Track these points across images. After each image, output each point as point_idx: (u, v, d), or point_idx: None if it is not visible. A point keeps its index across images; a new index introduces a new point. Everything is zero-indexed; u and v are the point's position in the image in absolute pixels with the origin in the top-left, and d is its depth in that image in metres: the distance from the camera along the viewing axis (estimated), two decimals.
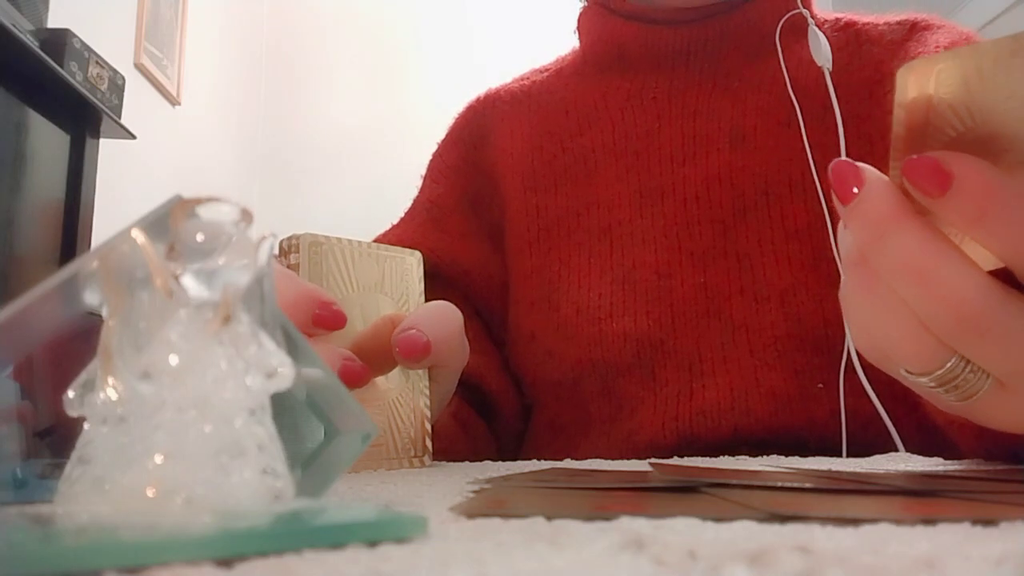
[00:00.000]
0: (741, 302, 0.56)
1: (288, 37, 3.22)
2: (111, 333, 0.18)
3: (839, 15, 0.67)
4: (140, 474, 0.17)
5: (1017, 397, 0.28)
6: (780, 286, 0.56)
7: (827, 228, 0.56)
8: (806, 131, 0.59)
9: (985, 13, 2.18)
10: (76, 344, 0.20)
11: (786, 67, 0.62)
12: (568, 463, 0.42)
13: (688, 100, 0.63)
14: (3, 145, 1.49)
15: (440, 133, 0.73)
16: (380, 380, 0.41)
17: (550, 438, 0.62)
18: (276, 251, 0.40)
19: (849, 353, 0.53)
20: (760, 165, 0.59)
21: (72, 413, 0.18)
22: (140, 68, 2.27)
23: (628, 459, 0.50)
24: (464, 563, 0.13)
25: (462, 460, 0.48)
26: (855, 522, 0.17)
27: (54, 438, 0.26)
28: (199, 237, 0.18)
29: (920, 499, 0.22)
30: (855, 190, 0.27)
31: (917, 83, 0.25)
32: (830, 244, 0.56)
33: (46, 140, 1.63)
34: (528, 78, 0.73)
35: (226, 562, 0.13)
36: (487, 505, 0.21)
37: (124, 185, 2.02)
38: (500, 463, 0.45)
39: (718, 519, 0.18)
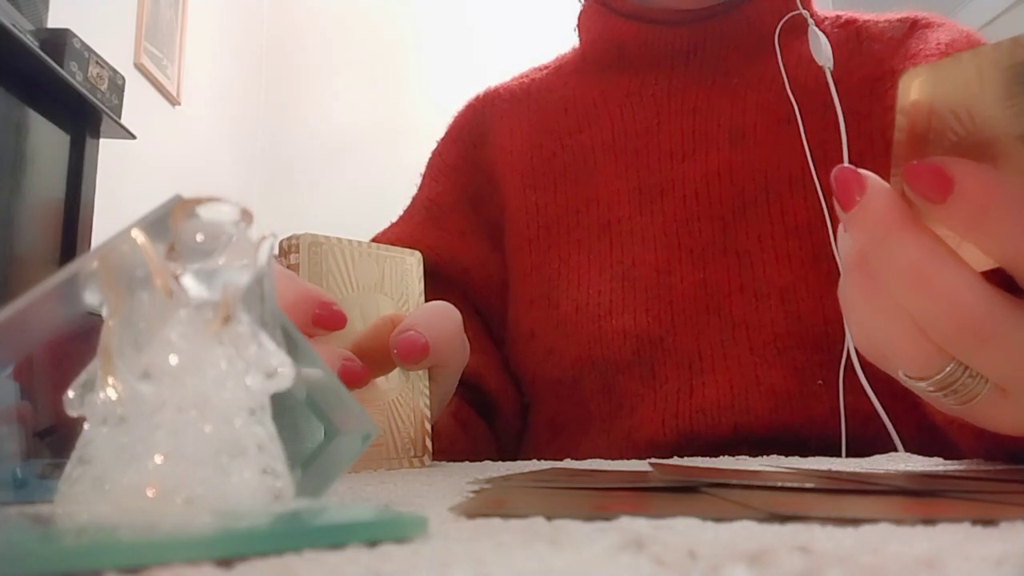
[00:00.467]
0: (741, 299, 0.56)
1: (288, 37, 3.22)
2: (111, 333, 0.18)
3: (839, 13, 0.67)
4: (140, 474, 0.17)
5: (1017, 402, 0.28)
6: (780, 283, 0.56)
7: (827, 225, 0.56)
8: (806, 128, 0.59)
9: (985, 13, 2.18)
10: (76, 344, 0.20)
11: (786, 65, 0.62)
12: (568, 463, 0.42)
13: (688, 98, 0.63)
14: (3, 145, 1.49)
15: (440, 132, 0.73)
16: (380, 380, 0.41)
17: (550, 436, 0.62)
18: (276, 251, 0.40)
19: (849, 351, 0.53)
20: (760, 162, 0.59)
21: (72, 413, 0.18)
22: (140, 68, 2.27)
23: (628, 457, 0.50)
24: (464, 563, 0.13)
25: (462, 460, 0.48)
26: (855, 522, 0.17)
27: (54, 438, 0.26)
28: (199, 237, 0.18)
29: (920, 499, 0.22)
30: (857, 197, 0.27)
31: (919, 89, 0.25)
32: (830, 241, 0.56)
33: (46, 140, 1.63)
34: (528, 76, 0.73)
35: (226, 562, 0.13)
36: (487, 505, 0.21)
37: (124, 185, 2.02)
38: (500, 463, 0.45)
39: (718, 519, 0.18)
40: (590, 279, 0.61)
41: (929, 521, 0.17)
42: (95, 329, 0.18)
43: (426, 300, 0.45)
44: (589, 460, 0.45)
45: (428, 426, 0.43)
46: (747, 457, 0.45)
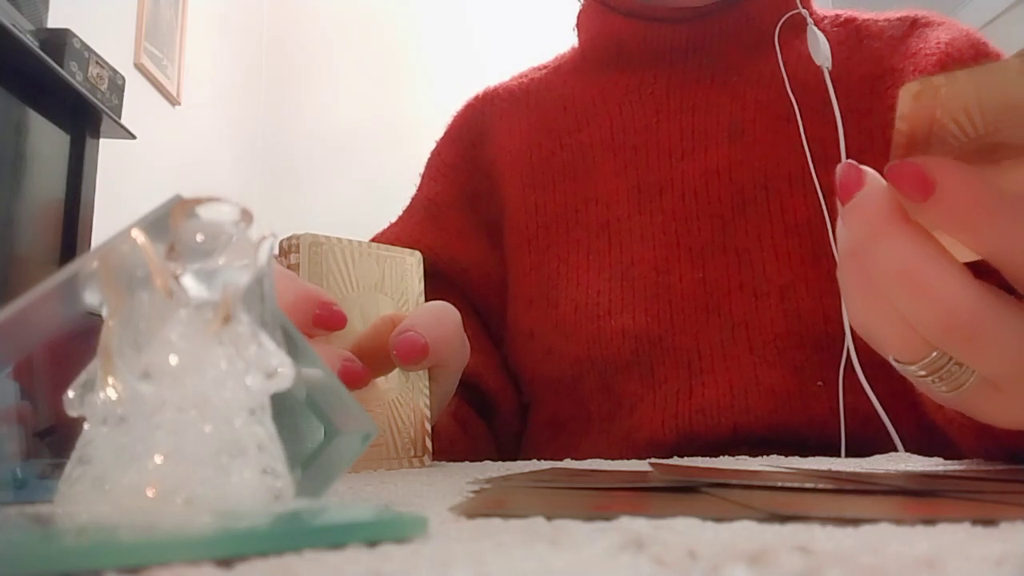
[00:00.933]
0: (740, 298, 0.56)
1: (288, 37, 3.22)
2: (111, 333, 0.18)
3: (839, 11, 0.67)
4: (140, 474, 0.17)
5: (1009, 396, 0.28)
6: (779, 282, 0.56)
7: (826, 223, 0.56)
8: (805, 126, 0.59)
9: (985, 13, 2.18)
10: (76, 344, 0.20)
11: (786, 62, 0.62)
12: (568, 463, 0.42)
13: (686, 95, 0.63)
14: (3, 145, 1.49)
15: (440, 132, 0.73)
16: (380, 380, 0.41)
17: (550, 436, 0.62)
18: (276, 251, 0.40)
19: (848, 350, 0.53)
20: (759, 159, 0.59)
21: (72, 413, 0.18)
22: (140, 68, 2.27)
23: (628, 457, 0.50)
24: (464, 563, 0.13)
25: (462, 460, 0.48)
26: (855, 522, 0.17)
27: (54, 438, 0.26)
28: (199, 237, 0.18)
29: (920, 499, 0.22)
30: (855, 192, 0.28)
31: (919, 102, 0.25)
32: (829, 239, 0.56)
33: (46, 140, 1.63)
34: (527, 76, 0.73)
35: (226, 562, 0.13)
36: (487, 505, 0.21)
37: (124, 185, 2.02)
38: (500, 463, 0.45)
39: (718, 519, 0.18)
40: (589, 278, 0.60)
41: (929, 521, 0.17)
42: (95, 329, 0.18)
43: (426, 300, 0.45)
44: (589, 460, 0.45)
45: (428, 426, 0.43)
46: (747, 457, 0.45)
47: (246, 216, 0.19)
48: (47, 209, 1.65)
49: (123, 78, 1.87)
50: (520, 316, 0.64)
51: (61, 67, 1.56)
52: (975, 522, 0.17)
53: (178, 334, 0.18)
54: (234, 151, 2.95)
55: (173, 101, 2.48)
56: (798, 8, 0.63)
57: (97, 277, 0.19)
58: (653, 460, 0.40)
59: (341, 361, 0.36)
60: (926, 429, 0.50)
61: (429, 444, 0.43)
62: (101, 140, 1.81)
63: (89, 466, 0.17)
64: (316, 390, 0.23)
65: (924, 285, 0.27)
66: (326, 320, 0.36)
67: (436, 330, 0.40)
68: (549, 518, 0.18)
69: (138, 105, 2.10)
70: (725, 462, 0.40)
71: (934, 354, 0.28)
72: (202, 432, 0.17)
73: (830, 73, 0.60)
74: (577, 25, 0.71)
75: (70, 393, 0.18)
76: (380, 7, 3.22)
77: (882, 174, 0.28)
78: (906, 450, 0.49)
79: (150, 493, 0.16)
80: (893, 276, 0.27)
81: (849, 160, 0.29)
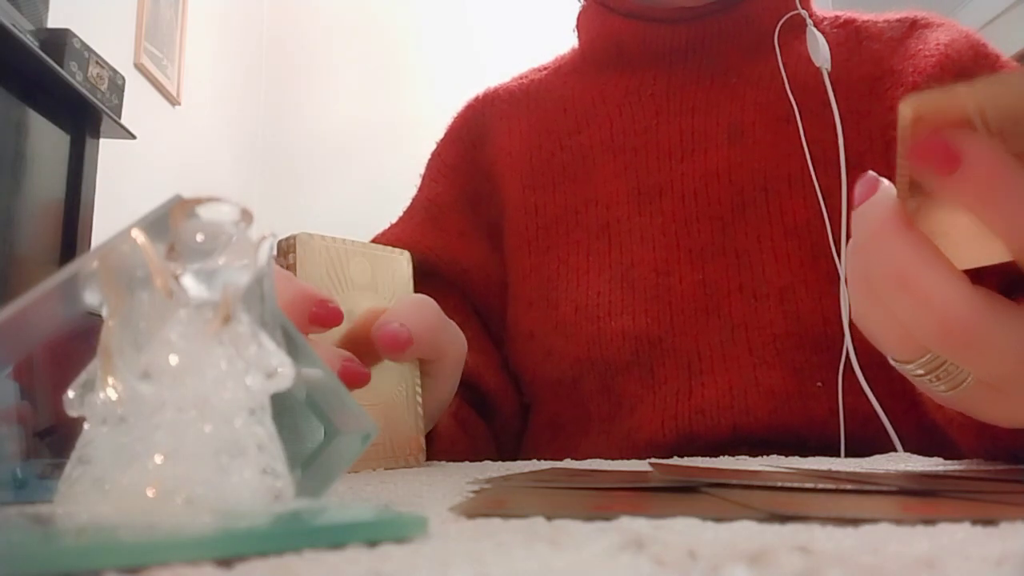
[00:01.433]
0: (740, 299, 0.56)
1: (288, 37, 3.22)
2: (111, 333, 0.18)
3: (839, 13, 0.67)
4: (140, 474, 0.17)
5: (1008, 396, 0.29)
6: (779, 283, 0.56)
7: (826, 225, 0.56)
8: (805, 127, 0.59)
9: (985, 13, 2.18)
10: (76, 344, 0.20)
11: (785, 63, 0.62)
12: (568, 463, 0.42)
13: (686, 96, 0.63)
14: (3, 145, 1.49)
15: (440, 132, 0.73)
16: (375, 379, 0.42)
17: (549, 437, 0.62)
18: (275, 252, 0.40)
19: (848, 351, 0.53)
20: (758, 161, 0.59)
21: (72, 413, 0.18)
22: (140, 68, 2.27)
23: (627, 457, 0.50)
24: (464, 563, 0.13)
25: (462, 460, 0.48)
26: (855, 522, 0.17)
27: (54, 438, 0.26)
28: (199, 237, 0.18)
29: (920, 499, 0.22)
30: (866, 199, 0.28)
31: (920, 112, 0.25)
32: (829, 241, 0.56)
33: (46, 140, 1.63)
34: (527, 77, 0.73)
35: (226, 562, 0.13)
36: (487, 505, 0.21)
37: (124, 185, 2.02)
38: (500, 463, 0.45)
39: (718, 519, 0.18)
40: (589, 280, 0.61)
41: (929, 521, 0.17)
42: (95, 329, 0.18)
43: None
44: (589, 460, 0.45)
45: (422, 424, 0.44)
46: (747, 457, 0.45)
47: (246, 216, 0.19)
48: (47, 209, 1.65)
49: (123, 78, 1.87)
50: (520, 317, 0.64)
51: (61, 67, 1.56)
52: (975, 522, 0.17)
53: (178, 334, 0.18)
54: (234, 151, 2.95)
55: (173, 101, 2.48)
56: (798, 9, 0.64)
57: (97, 277, 0.19)
58: (653, 460, 0.40)
59: (341, 361, 0.36)
60: (926, 429, 0.50)
61: (423, 442, 0.43)
62: (101, 140, 1.81)
63: (89, 466, 0.17)
64: (316, 390, 0.23)
65: (920, 290, 0.27)
66: (323, 317, 0.36)
67: (417, 320, 0.40)
68: (549, 518, 0.18)
69: (138, 105, 2.10)
70: (725, 462, 0.40)
71: (930, 354, 0.29)
72: (202, 432, 0.17)
73: (830, 74, 0.60)
74: (577, 26, 0.71)
75: (70, 393, 0.18)
76: (380, 7, 3.22)
77: (882, 174, 0.28)
78: (906, 450, 0.50)
79: (150, 493, 0.16)
80: (890, 279, 0.27)
81: (870, 172, 0.29)
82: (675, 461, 0.42)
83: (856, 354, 0.52)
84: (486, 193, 0.68)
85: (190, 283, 0.18)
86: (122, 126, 1.82)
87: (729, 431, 0.53)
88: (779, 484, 0.24)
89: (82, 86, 1.64)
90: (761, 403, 0.53)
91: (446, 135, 0.72)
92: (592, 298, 0.60)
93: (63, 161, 1.68)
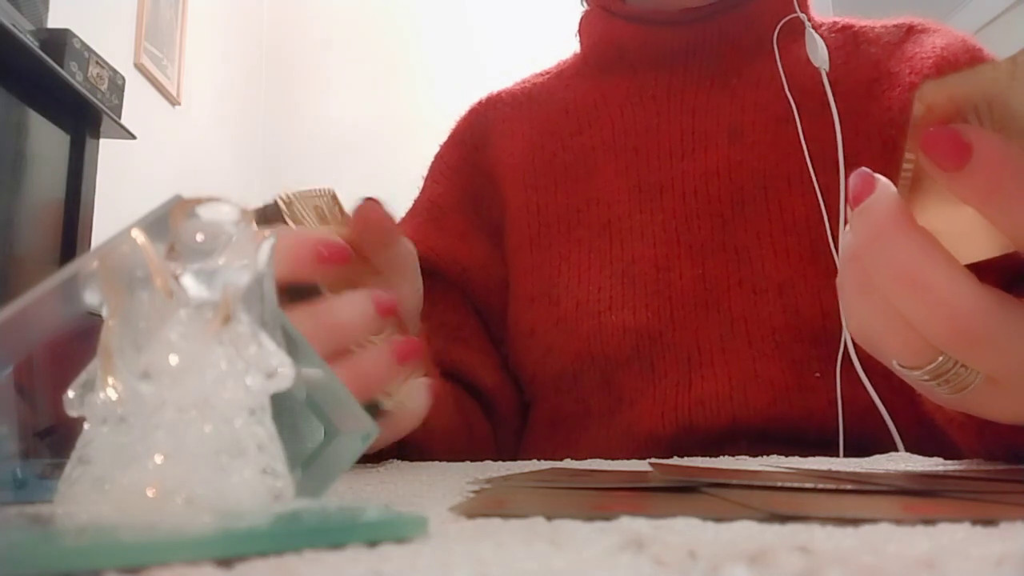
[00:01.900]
0: (739, 294, 0.57)
1: (288, 37, 3.22)
2: (111, 333, 0.18)
3: (837, 18, 0.68)
4: (140, 474, 0.17)
5: (1010, 392, 0.29)
6: (778, 278, 0.56)
7: (824, 222, 0.57)
8: (803, 127, 0.59)
9: (985, 14, 2.18)
10: (76, 344, 0.20)
11: (784, 65, 0.63)
12: (568, 463, 0.42)
13: (687, 98, 0.64)
14: (3, 145, 1.49)
15: (441, 133, 0.73)
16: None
17: (550, 432, 0.62)
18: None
19: (846, 345, 0.53)
20: (758, 160, 0.60)
21: (72, 413, 0.18)
22: (140, 68, 2.28)
23: (628, 450, 0.50)
24: (464, 563, 0.13)
25: (462, 460, 0.48)
26: (855, 522, 0.17)
27: (54, 438, 0.26)
28: (199, 237, 0.18)
29: (920, 499, 0.22)
30: (864, 197, 0.28)
31: (942, 88, 0.25)
32: (827, 237, 0.56)
33: (46, 140, 1.63)
34: (529, 81, 0.74)
35: (226, 562, 0.13)
36: (487, 505, 0.21)
37: (124, 185, 2.03)
38: (500, 463, 0.45)
39: (718, 519, 0.18)
40: (590, 276, 0.61)
41: (929, 521, 0.17)
42: (95, 329, 0.18)
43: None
44: (589, 460, 0.45)
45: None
46: (747, 457, 0.45)
47: (246, 216, 0.19)
48: (47, 209, 1.65)
49: (123, 78, 1.87)
50: (521, 314, 0.64)
51: (61, 67, 1.56)
52: (975, 522, 0.17)
53: (178, 334, 0.18)
54: (234, 151, 2.95)
55: (173, 101, 2.48)
56: (796, 12, 0.64)
57: (97, 277, 0.19)
58: (653, 460, 0.40)
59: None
60: (925, 424, 0.50)
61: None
62: (101, 140, 1.81)
63: (89, 466, 0.17)
64: (316, 390, 0.23)
65: (929, 288, 0.26)
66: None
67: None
68: (549, 518, 0.18)
69: (138, 105, 2.10)
70: (725, 462, 0.40)
71: (940, 358, 0.28)
72: (202, 432, 0.17)
73: (828, 76, 0.60)
74: (579, 31, 0.72)
75: (70, 393, 0.18)
76: (380, 7, 3.23)
77: (882, 174, 0.28)
78: (905, 444, 0.50)
79: (150, 493, 0.16)
80: (897, 278, 0.27)
81: (863, 168, 0.29)
82: (675, 461, 0.42)
83: (855, 347, 0.53)
84: (488, 194, 0.69)
85: (190, 283, 0.18)
86: (122, 126, 1.82)
87: (729, 422, 0.53)
88: (779, 484, 0.24)
89: (82, 86, 1.64)
90: (760, 395, 0.54)
91: (449, 138, 0.72)
92: (593, 294, 0.60)
93: (63, 161, 1.69)
